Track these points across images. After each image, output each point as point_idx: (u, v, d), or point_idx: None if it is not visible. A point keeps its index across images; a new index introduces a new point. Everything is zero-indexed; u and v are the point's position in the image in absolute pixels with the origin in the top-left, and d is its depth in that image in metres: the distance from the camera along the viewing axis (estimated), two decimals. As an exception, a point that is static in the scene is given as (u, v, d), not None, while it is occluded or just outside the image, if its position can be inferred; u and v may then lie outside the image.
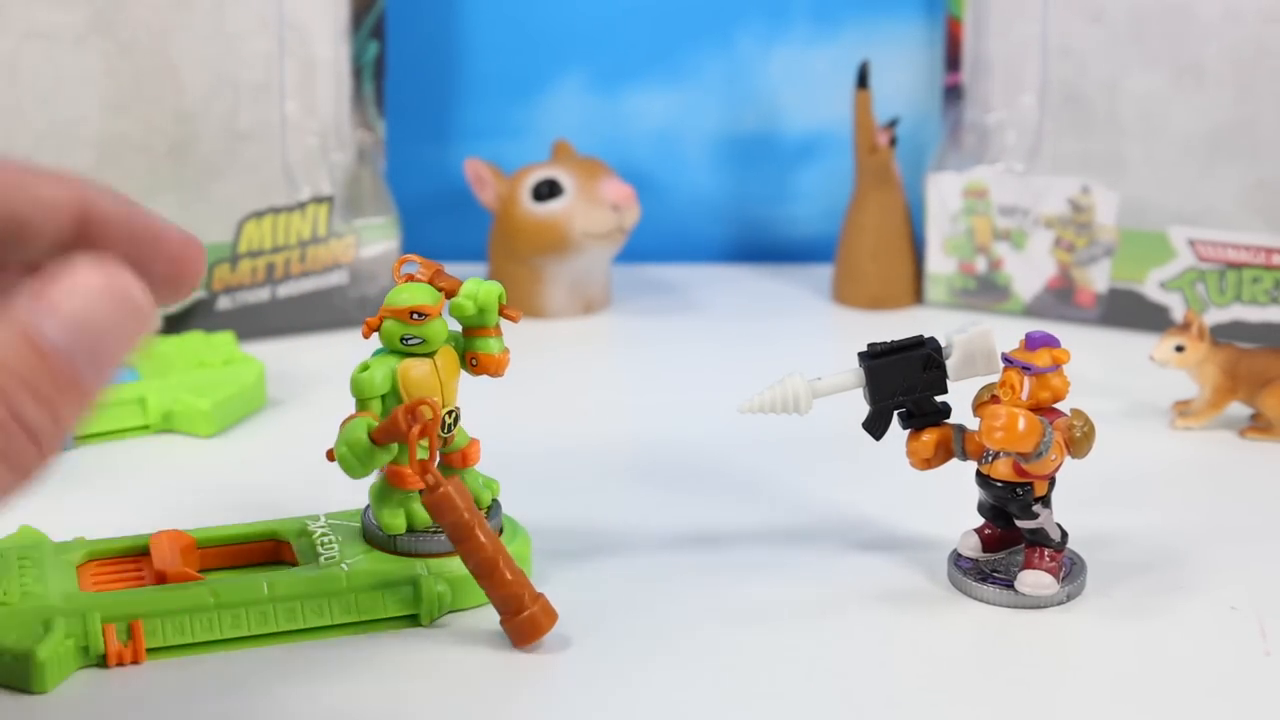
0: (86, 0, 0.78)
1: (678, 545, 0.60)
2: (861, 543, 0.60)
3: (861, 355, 0.55)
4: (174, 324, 0.81)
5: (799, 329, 0.87)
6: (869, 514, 0.62)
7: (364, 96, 0.85)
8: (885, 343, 0.55)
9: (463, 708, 0.50)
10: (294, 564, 0.56)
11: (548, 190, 0.86)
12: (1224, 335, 0.77)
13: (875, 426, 0.55)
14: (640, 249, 0.92)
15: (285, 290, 0.84)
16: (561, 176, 0.86)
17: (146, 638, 0.51)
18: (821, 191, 0.97)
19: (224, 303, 0.82)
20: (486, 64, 0.96)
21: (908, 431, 0.55)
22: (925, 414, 0.55)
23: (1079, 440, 0.54)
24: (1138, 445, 0.70)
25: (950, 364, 0.54)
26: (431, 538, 0.55)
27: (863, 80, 0.88)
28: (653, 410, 0.74)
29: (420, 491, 0.53)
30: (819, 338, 0.87)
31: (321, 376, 0.78)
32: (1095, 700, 0.50)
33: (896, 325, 0.86)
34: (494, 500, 0.57)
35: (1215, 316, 0.82)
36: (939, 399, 0.55)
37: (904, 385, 0.54)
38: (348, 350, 0.83)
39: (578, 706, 0.50)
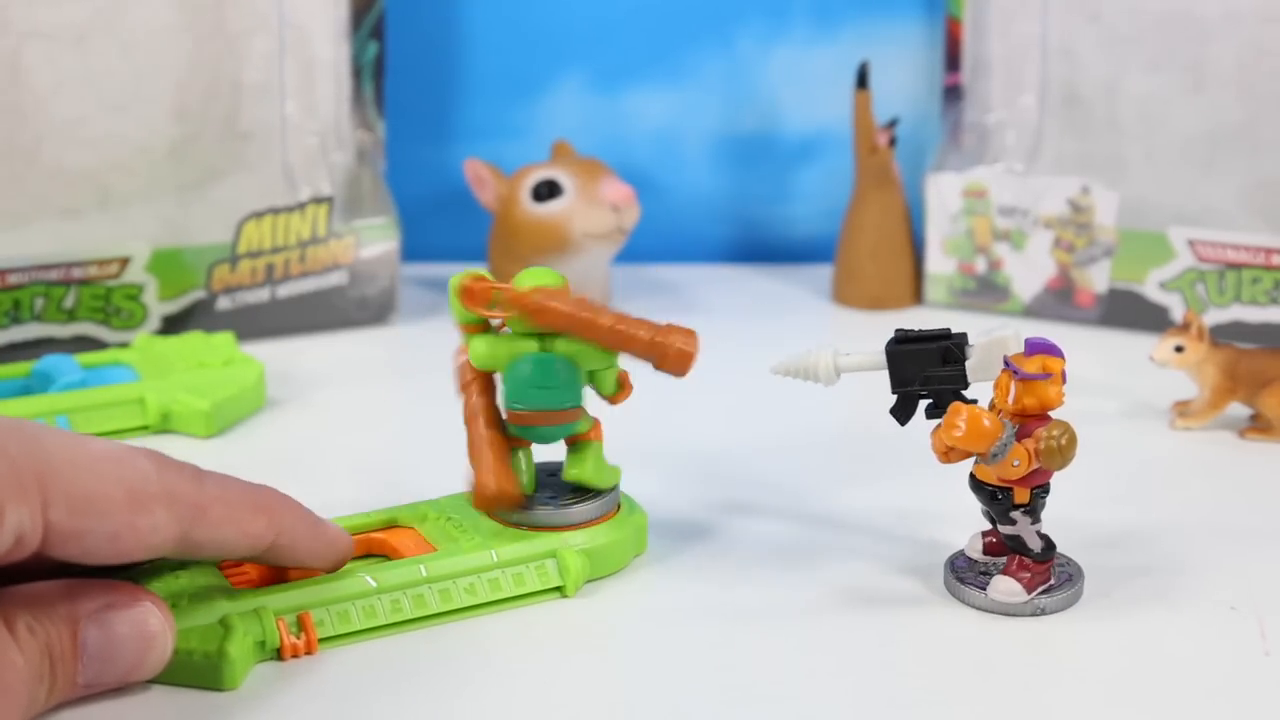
0: (87, 0, 0.78)
1: (675, 545, 0.60)
2: (862, 543, 0.60)
3: (889, 340, 0.56)
4: (174, 324, 0.81)
5: (799, 329, 0.87)
6: (870, 514, 0.62)
7: (364, 97, 0.85)
8: (916, 330, 0.56)
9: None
10: (396, 553, 0.56)
11: (548, 190, 0.86)
12: (1224, 335, 0.77)
13: (900, 412, 0.56)
14: (640, 249, 0.92)
15: (285, 290, 0.84)
16: (561, 177, 0.86)
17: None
18: (821, 191, 0.97)
19: (224, 303, 0.82)
20: (486, 64, 0.96)
21: (933, 422, 0.55)
22: (944, 406, 0.55)
23: (1051, 451, 0.53)
24: (1138, 445, 0.70)
25: (968, 364, 0.55)
26: (566, 511, 0.56)
27: (863, 80, 0.88)
28: (651, 410, 0.74)
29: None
30: (819, 338, 0.87)
31: (321, 377, 0.78)
32: (1095, 700, 0.50)
33: (896, 325, 0.86)
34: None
35: (1215, 317, 0.82)
36: (964, 393, 0.55)
37: (922, 374, 0.55)
38: (347, 351, 0.84)
39: (578, 706, 0.50)
